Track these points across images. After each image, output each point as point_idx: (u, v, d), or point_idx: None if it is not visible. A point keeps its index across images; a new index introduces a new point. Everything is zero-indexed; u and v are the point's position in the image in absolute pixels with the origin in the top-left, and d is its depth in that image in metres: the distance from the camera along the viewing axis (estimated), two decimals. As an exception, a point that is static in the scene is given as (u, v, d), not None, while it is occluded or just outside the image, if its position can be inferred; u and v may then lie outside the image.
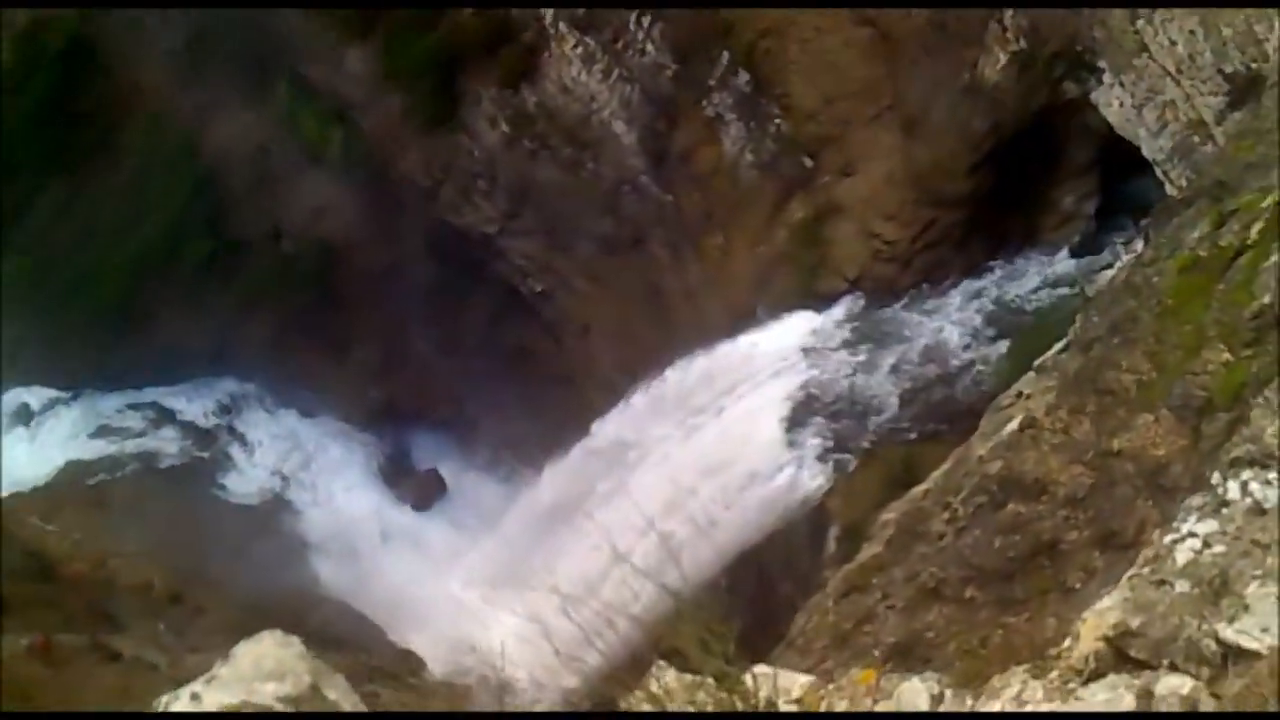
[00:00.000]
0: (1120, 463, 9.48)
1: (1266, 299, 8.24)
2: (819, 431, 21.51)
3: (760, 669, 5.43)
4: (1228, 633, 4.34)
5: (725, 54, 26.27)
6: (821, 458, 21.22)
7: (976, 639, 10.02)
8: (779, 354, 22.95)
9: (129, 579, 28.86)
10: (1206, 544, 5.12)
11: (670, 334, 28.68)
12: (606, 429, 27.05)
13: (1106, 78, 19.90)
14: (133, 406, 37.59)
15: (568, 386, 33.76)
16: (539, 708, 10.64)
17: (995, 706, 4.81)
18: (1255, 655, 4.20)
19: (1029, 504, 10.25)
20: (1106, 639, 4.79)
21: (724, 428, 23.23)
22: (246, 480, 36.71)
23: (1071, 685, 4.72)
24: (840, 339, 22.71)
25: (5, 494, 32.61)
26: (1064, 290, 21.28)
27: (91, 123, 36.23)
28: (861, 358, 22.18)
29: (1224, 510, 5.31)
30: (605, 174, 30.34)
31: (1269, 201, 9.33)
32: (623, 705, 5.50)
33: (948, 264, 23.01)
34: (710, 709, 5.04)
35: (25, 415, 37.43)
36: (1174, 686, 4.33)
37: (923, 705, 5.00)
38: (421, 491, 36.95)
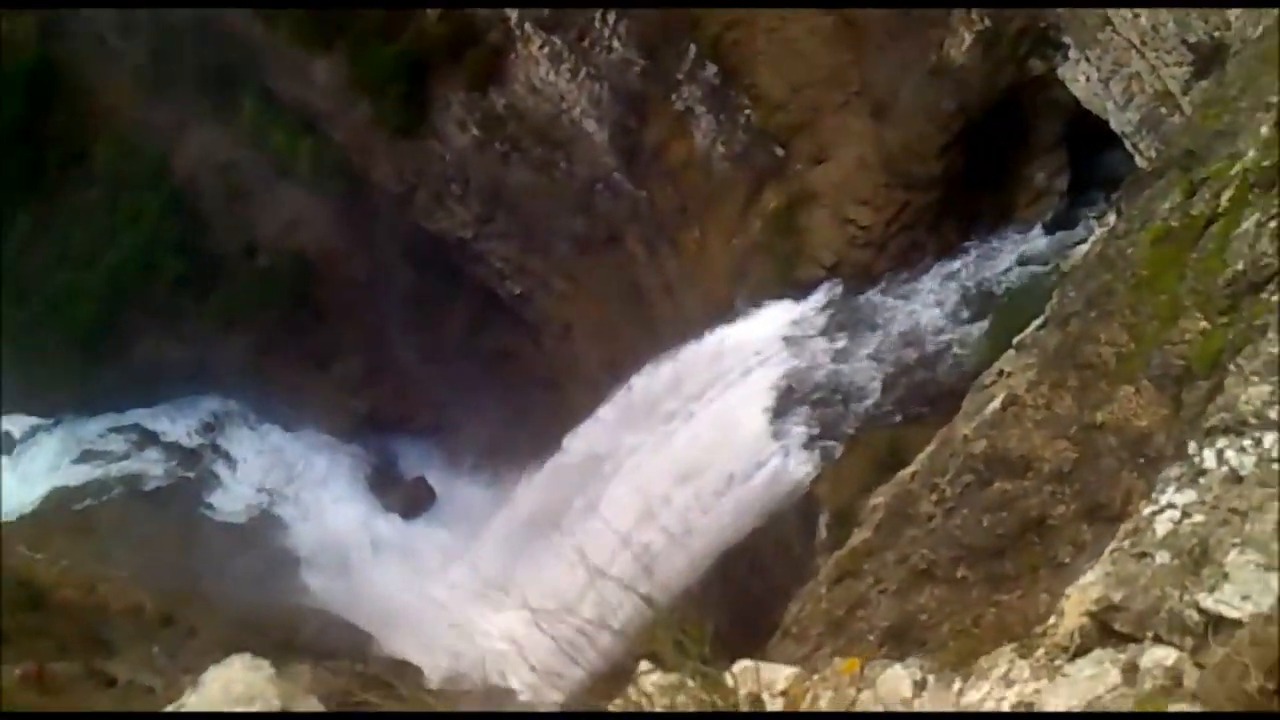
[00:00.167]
0: (1103, 435, 9.53)
1: (1240, 265, 8.27)
2: (804, 420, 21.56)
3: (742, 664, 5.42)
4: (1208, 602, 4.36)
5: (692, 47, 26.28)
6: (807, 446, 21.27)
7: (970, 618, 10.07)
8: (757, 346, 22.96)
9: (120, 603, 28.68)
10: (1185, 514, 5.15)
11: (651, 330, 28.69)
12: (577, 443, 27.08)
13: (1072, 53, 20.00)
14: (115, 430, 37.37)
15: (551, 388, 33.74)
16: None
17: (983, 687, 4.82)
18: (1236, 623, 4.22)
19: (1015, 481, 10.29)
20: (1090, 614, 4.80)
21: (695, 433, 23.25)
22: (233, 498, 36.55)
23: (1058, 662, 4.73)
24: (820, 326, 22.75)
25: (-6, 526, 32.40)
26: (1039, 267, 21.39)
27: (60, 145, 35.98)
28: (842, 344, 22.23)
29: (1201, 480, 5.34)
30: (578, 173, 30.31)
31: (1238, 169, 9.38)
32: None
33: (923, 246, 23.09)
34: (691, 709, 5.04)
35: (7, 444, 37.16)
36: (1159, 658, 4.35)
37: (905, 692, 5.01)
38: (410, 500, 36.86)
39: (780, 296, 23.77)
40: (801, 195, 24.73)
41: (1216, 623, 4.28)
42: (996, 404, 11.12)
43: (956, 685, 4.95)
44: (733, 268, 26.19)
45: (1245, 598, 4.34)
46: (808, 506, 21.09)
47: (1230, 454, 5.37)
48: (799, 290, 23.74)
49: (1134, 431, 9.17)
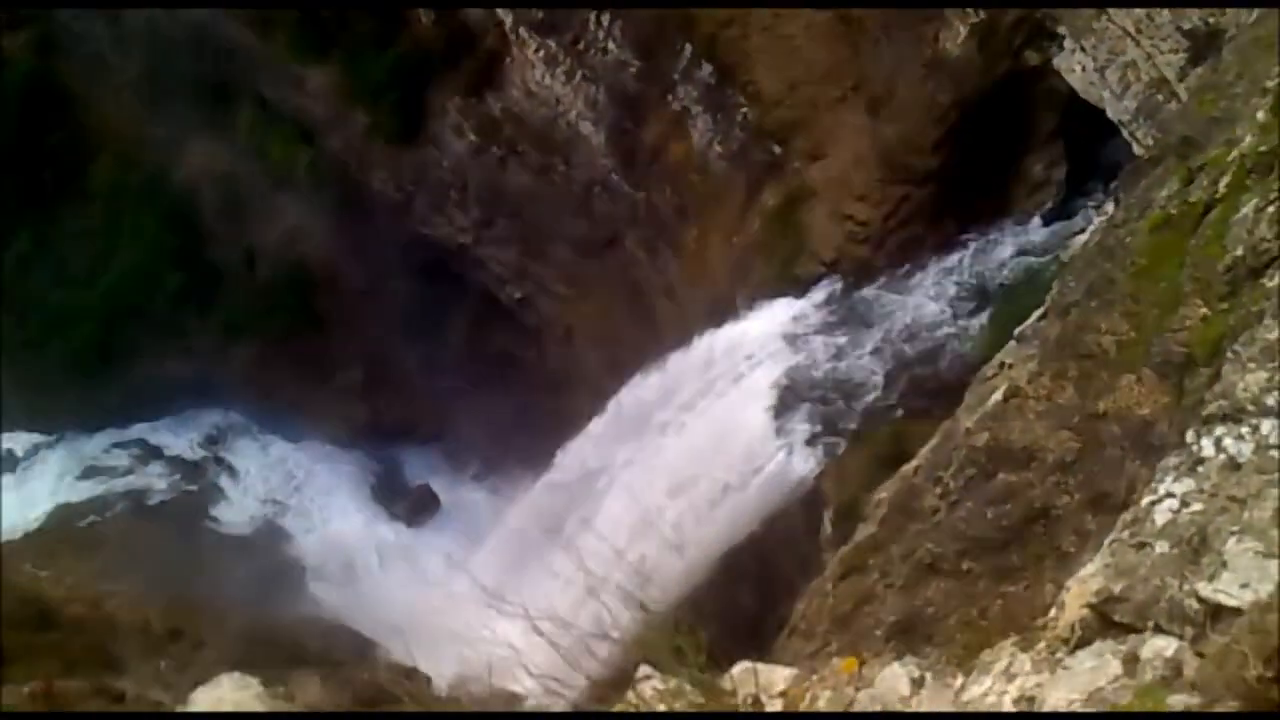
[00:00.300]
0: (1106, 425, 9.48)
1: (1239, 251, 8.22)
2: (806, 417, 21.51)
3: (741, 666, 5.40)
4: (1208, 591, 4.32)
5: (687, 47, 26.26)
6: (810, 443, 21.22)
7: (976, 610, 10.01)
8: (749, 349, 22.89)
9: (127, 618, 28.62)
10: (1184, 503, 5.10)
11: (653, 331, 28.66)
12: (569, 459, 27.07)
13: (1067, 43, 19.94)
14: (118, 445, 37.43)
15: (554, 391, 33.71)
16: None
17: (985, 682, 4.78)
18: (1236, 611, 4.18)
19: (1019, 473, 10.24)
20: (1091, 606, 4.77)
21: (689, 443, 23.22)
22: (238, 510, 36.58)
23: (1059, 655, 4.70)
24: (821, 323, 22.70)
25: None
26: (1039, 258, 21.32)
27: (58, 162, 36.04)
28: (843, 340, 22.18)
29: (1199, 468, 5.29)
30: (576, 176, 30.30)
31: (1235, 155, 9.33)
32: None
33: (922, 240, 23.02)
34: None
35: (10, 462, 37.21)
36: (1159, 649, 4.31)
37: (903, 690, 4.98)
38: (415, 508, 36.87)
39: (780, 294, 23.73)
40: (800, 192, 24.69)
41: (1216, 611, 4.24)
42: (998, 396, 11.08)
43: (958, 681, 4.91)
44: (733, 267, 26.16)
45: (1244, 586, 4.30)
46: (812, 503, 21.05)
47: (1228, 441, 5.33)
48: (799, 287, 23.70)
49: (1136, 420, 9.12)
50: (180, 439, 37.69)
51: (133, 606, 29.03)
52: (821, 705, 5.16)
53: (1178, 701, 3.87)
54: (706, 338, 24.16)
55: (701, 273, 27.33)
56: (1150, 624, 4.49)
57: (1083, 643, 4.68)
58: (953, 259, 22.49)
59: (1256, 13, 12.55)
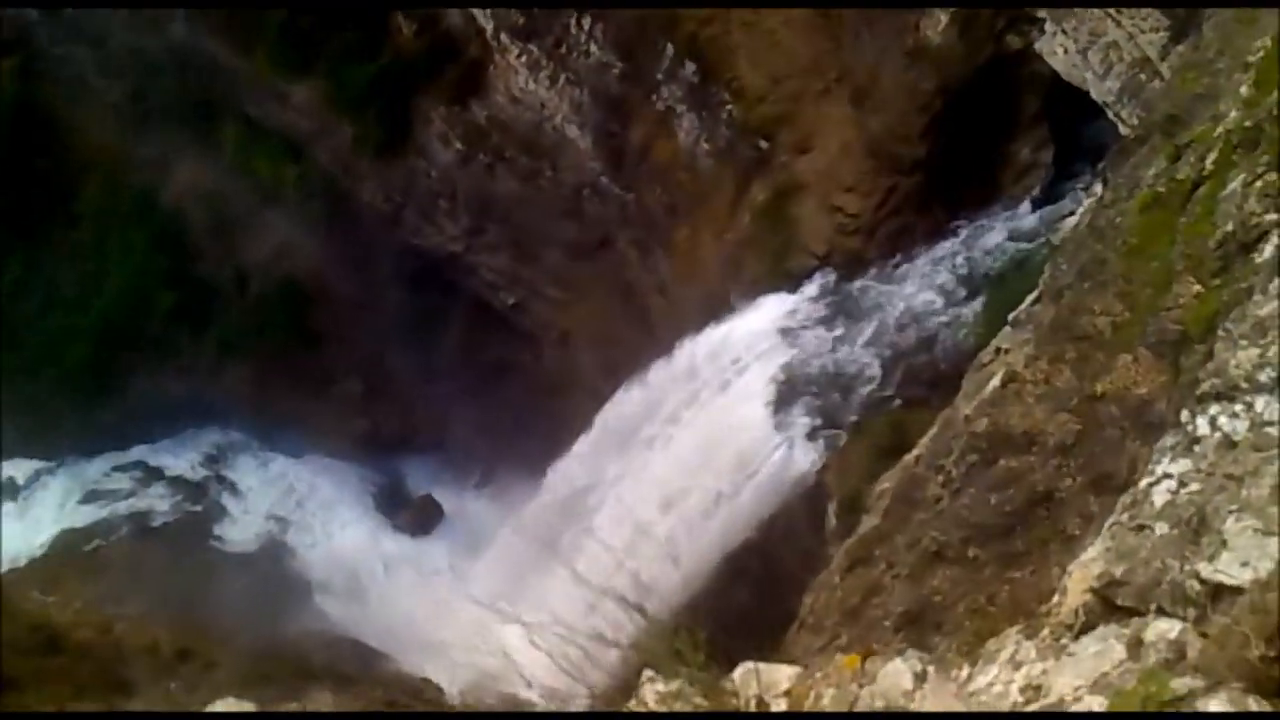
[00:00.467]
0: (1105, 406, 9.49)
1: (1229, 227, 8.23)
2: (805, 411, 21.52)
3: (744, 667, 5.40)
4: (1208, 571, 4.30)
5: (669, 46, 26.26)
6: (811, 436, 21.23)
7: (984, 597, 10.02)
8: (734, 354, 22.88)
9: (135, 641, 28.59)
10: (1182, 483, 5.10)
11: (649, 331, 28.66)
12: (557, 480, 27.07)
13: (1048, 26, 19.96)
14: (119, 468, 37.36)
15: (553, 395, 33.71)
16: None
17: (991, 671, 4.78)
18: (1237, 591, 4.17)
19: (1020, 457, 10.24)
20: (1093, 590, 4.76)
21: (677, 456, 23.22)
22: (242, 528, 36.53)
23: (1063, 641, 4.69)
24: (816, 316, 22.71)
25: (3, 570, 32.36)
26: (1030, 243, 21.34)
27: (45, 187, 36.01)
28: (839, 332, 22.19)
29: (1196, 448, 5.28)
30: (564, 180, 30.30)
31: (1221, 130, 9.34)
32: None
33: (913, 229, 23.04)
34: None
35: (12, 490, 37.12)
36: (1162, 631, 4.30)
37: (906, 685, 4.96)
38: (419, 518, 36.84)
39: (773, 289, 23.75)
40: (788, 186, 24.71)
41: (1217, 591, 4.23)
42: (996, 382, 11.10)
43: (964, 671, 4.91)
44: (725, 263, 26.17)
45: (1244, 564, 4.29)
46: (815, 497, 21.06)
47: (1223, 420, 5.32)
48: (792, 282, 23.71)
49: (1134, 400, 9.12)
50: (180, 459, 37.64)
51: (140, 629, 29.00)
52: (825, 703, 5.15)
53: (1181, 685, 3.86)
54: (688, 346, 24.16)
55: (694, 271, 27.34)
56: (1153, 606, 4.48)
57: (1086, 628, 4.67)
58: (944, 247, 22.51)
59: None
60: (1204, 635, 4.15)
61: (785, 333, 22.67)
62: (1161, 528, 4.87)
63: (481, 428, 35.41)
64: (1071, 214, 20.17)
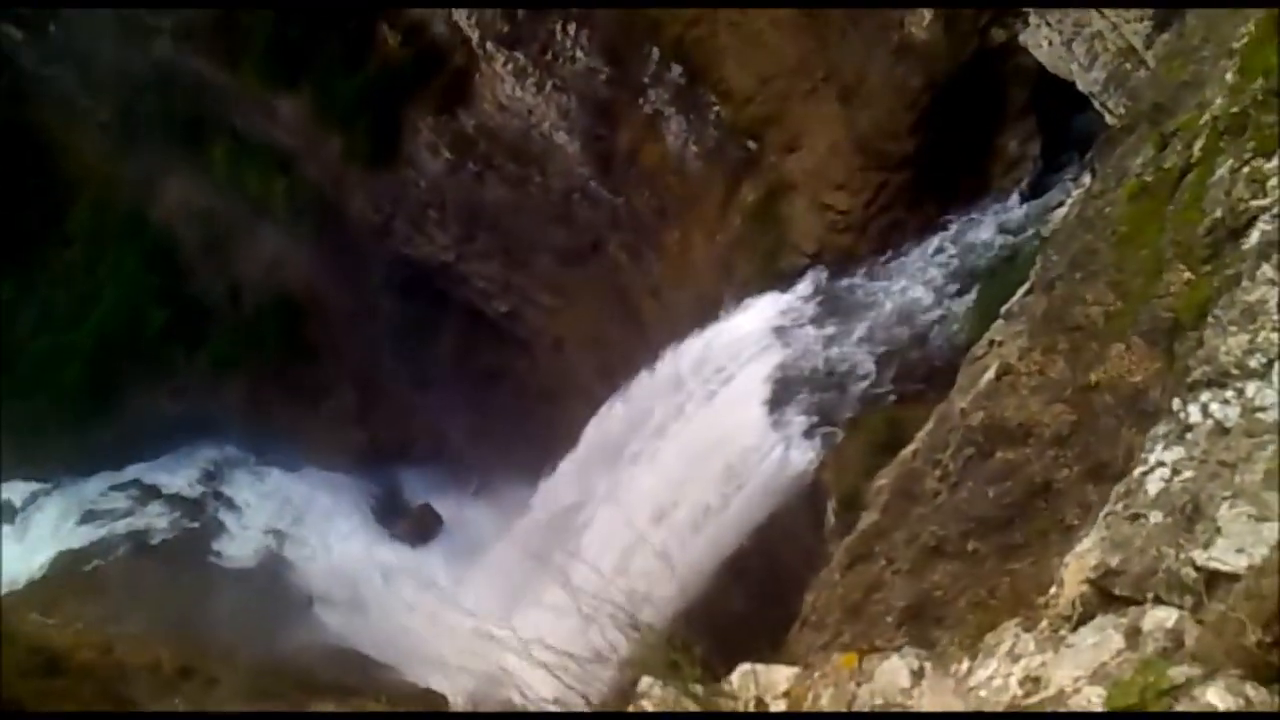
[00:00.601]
0: (1099, 395, 9.49)
1: (1218, 213, 8.23)
2: (802, 409, 21.50)
3: (742, 670, 5.38)
4: (1204, 558, 4.30)
5: (655, 50, 26.27)
6: (808, 434, 21.22)
7: (985, 590, 10.01)
8: (719, 363, 22.83)
9: (137, 660, 28.56)
10: (1175, 471, 5.09)
11: (642, 335, 28.65)
12: (545, 499, 27.01)
13: (1032, 19, 19.99)
14: (116, 487, 37.28)
15: (548, 401, 33.69)
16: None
17: (990, 665, 4.76)
18: (1233, 578, 4.16)
19: (1016, 449, 10.24)
20: (1090, 581, 4.75)
21: (662, 470, 23.18)
22: (240, 543, 36.47)
23: (1062, 632, 4.67)
24: (809, 315, 22.71)
25: (2, 593, 32.28)
26: (1021, 235, 21.36)
27: (35, 208, 36.00)
28: (832, 330, 22.18)
29: (1188, 435, 5.27)
30: (554, 185, 30.30)
31: (1207, 118, 9.35)
32: None
33: (903, 225, 23.05)
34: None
35: (9, 512, 37.05)
36: (1159, 620, 4.30)
37: (903, 682, 4.95)
38: (418, 527, 36.80)
39: (766, 289, 23.75)
40: (778, 186, 24.71)
41: (1213, 579, 4.23)
42: (990, 374, 11.09)
43: (964, 666, 4.89)
44: (717, 265, 26.17)
45: (1239, 551, 4.28)
46: (813, 496, 21.05)
47: (1214, 406, 5.31)
48: (784, 281, 23.71)
49: (1129, 388, 9.12)
50: (177, 476, 37.56)
51: (141, 648, 28.96)
52: (824, 703, 5.13)
53: (1179, 673, 3.84)
54: (669, 357, 24.13)
55: (686, 273, 27.35)
56: (1150, 595, 4.47)
57: (1084, 618, 4.66)
58: (935, 242, 22.51)
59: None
60: (1201, 623, 4.14)
61: (779, 332, 22.66)
62: (1156, 516, 4.87)
63: (478, 435, 35.39)
64: (1061, 205, 20.19)
